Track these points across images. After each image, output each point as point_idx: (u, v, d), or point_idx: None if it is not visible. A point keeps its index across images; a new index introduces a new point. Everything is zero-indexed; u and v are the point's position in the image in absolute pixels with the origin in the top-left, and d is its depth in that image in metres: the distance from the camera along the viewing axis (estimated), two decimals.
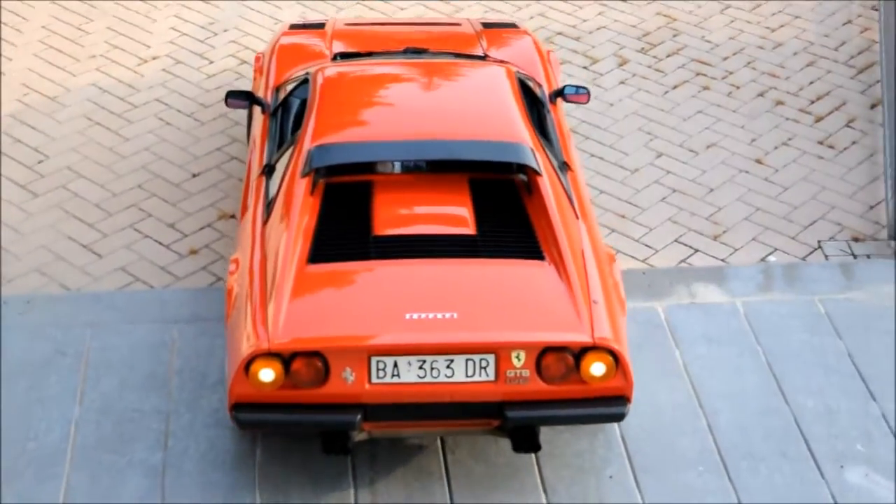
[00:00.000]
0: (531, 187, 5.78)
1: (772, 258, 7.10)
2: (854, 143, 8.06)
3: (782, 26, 9.23)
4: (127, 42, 8.87)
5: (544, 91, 6.83)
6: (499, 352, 5.09)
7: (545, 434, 5.76)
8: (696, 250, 7.14)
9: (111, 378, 6.10)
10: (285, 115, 6.40)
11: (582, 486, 5.61)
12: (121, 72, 8.55)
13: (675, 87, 8.53)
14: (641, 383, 6.12)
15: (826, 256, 7.11)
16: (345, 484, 5.51)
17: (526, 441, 5.23)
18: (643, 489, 5.62)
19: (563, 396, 5.17)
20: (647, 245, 7.17)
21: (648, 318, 6.54)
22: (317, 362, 5.05)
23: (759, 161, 7.87)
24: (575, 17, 9.25)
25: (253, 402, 5.15)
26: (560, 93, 6.82)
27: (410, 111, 6.04)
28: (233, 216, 7.26)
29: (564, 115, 7.12)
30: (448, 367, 5.10)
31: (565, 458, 5.71)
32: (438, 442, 5.72)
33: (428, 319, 5.12)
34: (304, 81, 6.45)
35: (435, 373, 5.10)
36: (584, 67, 8.67)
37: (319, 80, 6.30)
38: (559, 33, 9.05)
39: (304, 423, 5.13)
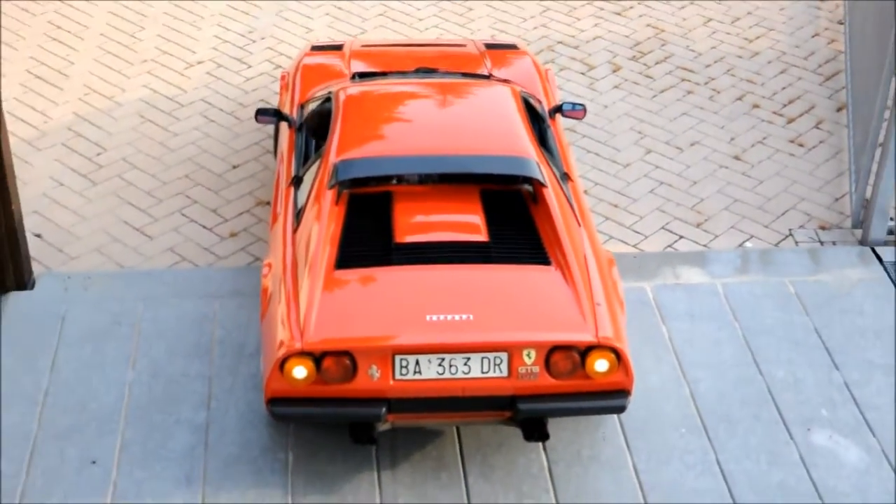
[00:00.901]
0: (537, 197, 5.70)
1: (748, 244, 7.09)
2: (821, 142, 8.03)
3: (758, 37, 9.20)
4: (175, 48, 8.87)
5: (544, 107, 6.74)
6: (511, 350, 5.05)
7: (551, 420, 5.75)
8: (681, 236, 7.13)
9: (161, 346, 6.12)
10: (310, 131, 6.33)
11: (577, 445, 5.62)
12: (169, 75, 8.55)
13: (662, 91, 8.51)
14: (632, 354, 6.12)
15: (796, 243, 7.10)
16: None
17: (536, 431, 5.20)
18: (632, 448, 5.63)
19: (570, 390, 5.14)
20: (637, 231, 7.17)
21: (638, 297, 6.53)
22: (345, 360, 5.02)
23: (737, 157, 7.85)
24: (574, 28, 9.22)
25: (287, 396, 5.12)
26: (558, 108, 6.70)
27: (426, 127, 5.95)
28: (268, 203, 7.27)
29: (563, 129, 7.10)
30: (465, 364, 5.06)
31: (563, 421, 5.72)
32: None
33: (446, 321, 5.08)
34: (327, 100, 6.34)
35: (453, 369, 5.06)
36: (582, 73, 8.65)
37: (341, 98, 6.22)
38: (560, 42, 9.02)
39: (333, 416, 5.10)
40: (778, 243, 7.10)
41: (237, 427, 5.67)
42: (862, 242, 7.06)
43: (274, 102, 8.27)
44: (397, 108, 6.10)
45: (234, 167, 7.63)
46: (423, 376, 5.07)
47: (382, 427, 5.21)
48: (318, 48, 7.44)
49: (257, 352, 6.08)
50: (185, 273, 6.64)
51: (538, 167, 5.74)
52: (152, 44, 8.91)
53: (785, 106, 8.38)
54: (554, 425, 5.69)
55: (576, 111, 6.69)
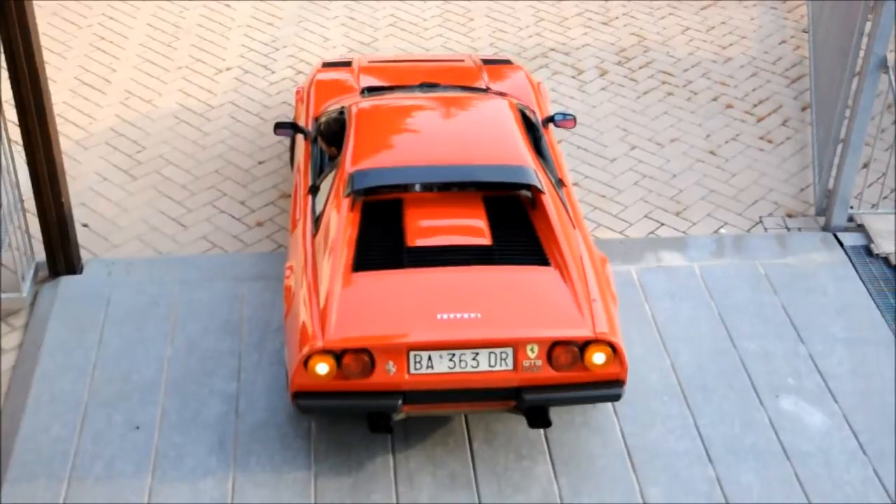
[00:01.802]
0: (535, 202, 5.63)
1: (722, 230, 7.07)
2: (788, 138, 8.00)
3: (731, 44, 9.16)
4: (206, 56, 8.84)
5: (538, 117, 6.63)
6: (516, 346, 5.00)
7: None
8: (662, 224, 7.12)
9: (195, 324, 6.12)
10: (324, 142, 6.23)
11: (570, 413, 5.62)
12: (201, 80, 8.53)
13: (645, 92, 8.47)
14: (620, 330, 6.10)
15: (765, 229, 7.08)
16: None
17: (539, 418, 5.14)
18: (619, 414, 5.63)
19: (570, 381, 5.09)
20: (623, 219, 7.15)
21: (624, 279, 6.52)
22: (364, 357, 4.97)
23: (712, 152, 7.82)
24: (565, 37, 9.18)
25: (311, 390, 5.06)
26: (551, 119, 6.59)
27: (432, 139, 5.86)
28: (289, 195, 7.25)
29: (555, 137, 7.04)
30: (474, 359, 5.01)
31: None
32: None
33: (456, 319, 5.02)
34: (340, 113, 6.24)
35: (463, 364, 5.01)
36: (573, 77, 8.62)
37: (354, 112, 6.13)
38: (552, 49, 8.99)
39: (354, 408, 5.04)
40: (749, 229, 7.07)
41: (264, 396, 5.67)
42: (825, 228, 7.03)
43: (293, 106, 8.24)
44: (405, 121, 6.02)
45: (260, 163, 7.61)
46: (436, 370, 5.01)
47: (398, 417, 5.16)
48: (328, 64, 7.33)
49: (281, 329, 6.07)
50: (216, 258, 6.64)
51: (536, 175, 5.67)
52: (186, 52, 8.88)
53: (755, 106, 8.34)
54: None
55: (566, 121, 6.59)
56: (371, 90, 6.77)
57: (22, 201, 6.37)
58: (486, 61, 7.41)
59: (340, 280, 5.19)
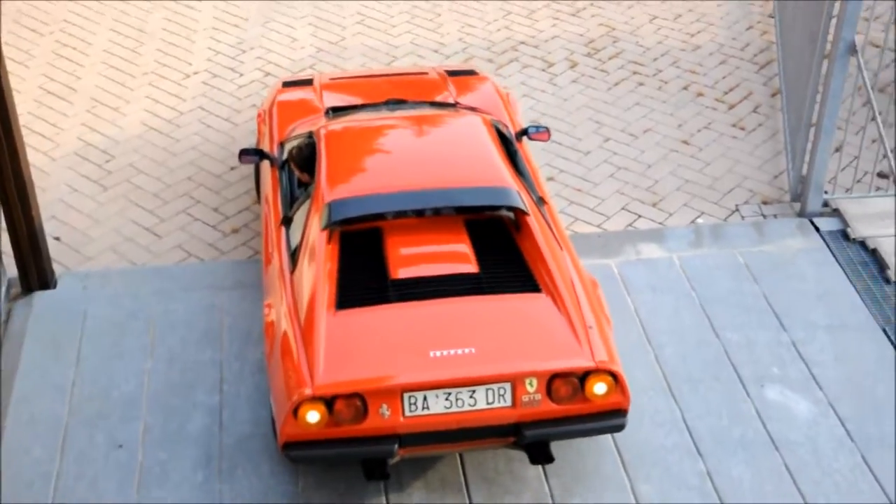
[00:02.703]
0: (519, 225, 5.38)
1: (700, 220, 7.03)
2: (760, 125, 7.98)
3: (699, 32, 9.12)
4: (173, 61, 8.69)
5: (511, 131, 6.34)
6: (514, 380, 4.75)
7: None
8: (640, 216, 7.07)
9: (174, 336, 6.00)
10: (293, 169, 5.91)
11: None
12: (169, 85, 8.38)
13: (616, 83, 8.42)
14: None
15: (742, 217, 7.05)
16: None
17: (540, 454, 4.91)
18: None
19: (571, 414, 4.85)
20: (600, 213, 7.09)
21: (604, 273, 6.46)
22: (356, 402, 4.69)
23: (685, 142, 7.78)
24: (534, 29, 9.11)
25: (301, 440, 4.76)
26: (524, 132, 6.31)
27: (408, 163, 5.55)
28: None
29: (529, 150, 6.84)
30: (471, 396, 4.76)
31: None
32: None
33: (450, 356, 4.75)
34: (308, 137, 5.89)
35: (460, 402, 4.76)
36: (543, 70, 8.55)
37: (323, 137, 5.79)
38: (522, 42, 8.91)
39: (348, 456, 4.76)
40: (726, 218, 7.04)
41: (248, 407, 5.56)
42: (800, 214, 7.01)
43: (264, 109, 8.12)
44: (378, 145, 5.70)
45: (232, 168, 7.48)
46: (432, 411, 4.76)
47: (394, 461, 4.88)
48: (288, 84, 6.99)
49: (261, 338, 5.97)
50: (192, 268, 6.52)
51: (520, 196, 5.40)
52: (151, 57, 8.72)
53: (726, 93, 8.31)
54: None
55: (540, 133, 6.32)
56: (336, 110, 6.50)
57: None
58: (451, 73, 7.12)
59: (325, 320, 4.89)
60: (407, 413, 4.74)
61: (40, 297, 6.27)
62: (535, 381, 4.77)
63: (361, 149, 5.68)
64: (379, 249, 5.29)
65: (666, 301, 6.25)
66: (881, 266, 6.51)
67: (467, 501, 5.13)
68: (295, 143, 6.02)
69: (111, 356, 5.87)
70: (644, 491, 5.15)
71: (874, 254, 6.60)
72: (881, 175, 7.38)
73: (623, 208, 7.12)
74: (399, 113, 6.13)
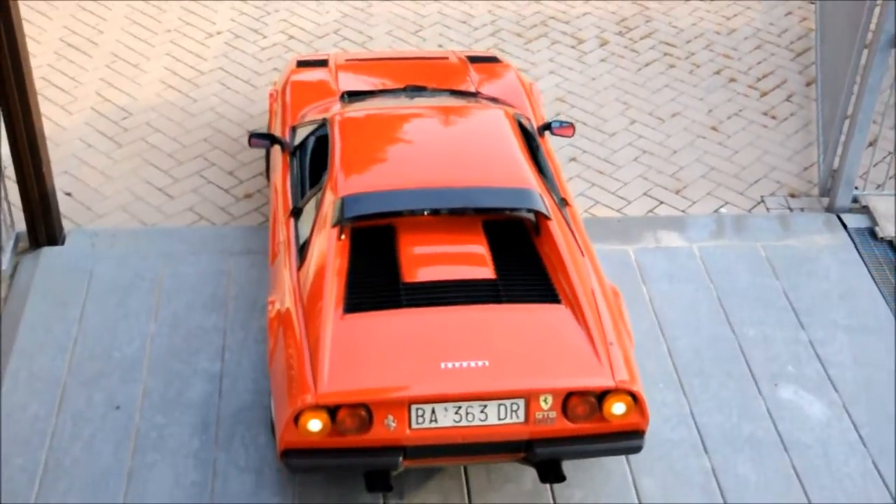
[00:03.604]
0: (540, 229, 5.13)
1: (723, 210, 6.91)
2: (792, 114, 7.83)
3: (735, 15, 8.95)
4: (196, 19, 8.62)
5: (533, 125, 6.06)
6: (528, 397, 4.52)
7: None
8: (661, 202, 6.95)
9: (180, 300, 5.97)
10: (304, 157, 5.67)
11: None
12: (191, 44, 8.31)
13: (646, 64, 8.28)
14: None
15: (767, 209, 6.92)
16: None
17: (551, 472, 4.70)
18: None
19: (586, 433, 4.63)
20: (621, 197, 6.98)
21: (621, 260, 6.37)
22: (361, 412, 4.48)
23: (714, 128, 7.65)
24: (565, 5, 8.96)
25: (302, 448, 4.56)
26: (547, 126, 6.05)
27: (425, 158, 5.30)
28: None
29: (551, 145, 6.64)
30: (482, 411, 4.53)
31: None
32: None
33: (462, 368, 4.50)
34: (321, 125, 5.68)
35: (470, 417, 4.53)
36: (572, 47, 8.42)
37: (337, 126, 5.54)
38: (552, 17, 8.77)
39: (350, 466, 4.55)
40: (751, 209, 6.92)
41: (249, 377, 5.53)
42: (828, 210, 6.88)
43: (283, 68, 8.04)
44: (395, 137, 5.45)
45: (249, 131, 7.43)
46: (440, 424, 4.53)
47: (397, 472, 4.70)
48: (303, 63, 6.75)
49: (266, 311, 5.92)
50: (202, 231, 6.47)
51: (542, 199, 5.14)
52: (175, 15, 8.65)
53: (759, 80, 8.15)
54: None
55: (564, 128, 6.05)
56: (352, 95, 6.27)
57: (2, 168, 6.18)
58: (473, 59, 6.86)
59: (332, 323, 4.65)
60: (414, 425, 4.52)
61: (48, 252, 6.25)
62: (550, 399, 4.53)
63: (377, 140, 5.43)
64: (391, 248, 5.07)
65: (683, 292, 6.15)
66: None
67: (465, 487, 5.07)
68: (307, 129, 5.81)
69: (115, 316, 5.85)
70: (646, 485, 5.08)
71: None
72: None
73: (645, 194, 7.00)
74: (418, 102, 5.90)
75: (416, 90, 6.27)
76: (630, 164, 7.26)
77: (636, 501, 5.01)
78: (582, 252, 5.14)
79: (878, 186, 7.08)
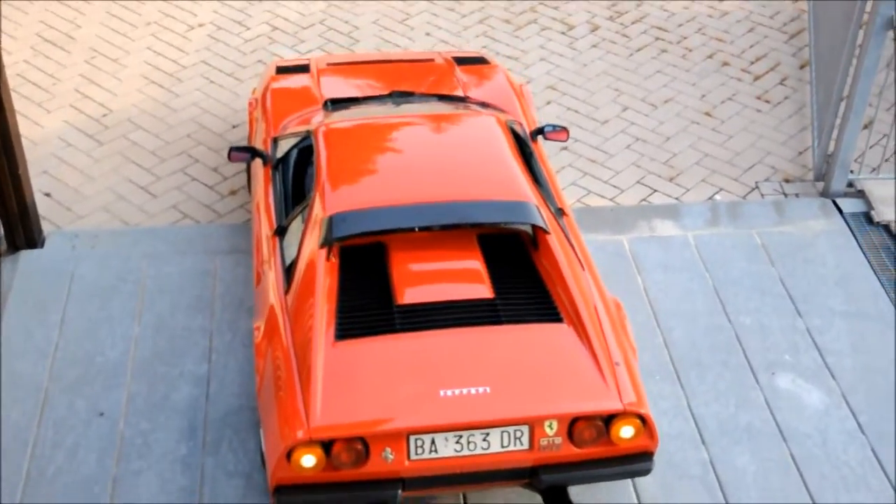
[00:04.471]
0: (538, 242, 4.95)
1: (717, 197, 6.88)
2: (786, 98, 7.78)
3: None
4: (177, 11, 8.55)
5: (526, 130, 5.86)
6: (532, 423, 4.35)
7: None
8: (655, 190, 6.91)
9: (164, 301, 5.92)
10: (287, 171, 5.45)
11: None
12: (172, 37, 8.25)
13: (638, 49, 8.23)
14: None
15: (762, 195, 6.88)
16: None
17: (558, 499, 4.58)
18: None
19: (593, 457, 4.47)
20: (614, 186, 6.94)
21: (615, 249, 6.33)
22: (357, 445, 4.28)
23: (707, 114, 7.60)
24: None
25: (294, 484, 4.36)
26: (540, 131, 5.87)
27: (416, 172, 5.08)
28: None
29: (544, 151, 6.52)
30: (484, 439, 4.35)
31: None
32: None
33: (462, 396, 4.32)
34: (305, 137, 5.47)
35: (472, 446, 4.35)
36: (562, 33, 8.36)
37: (322, 139, 5.32)
38: (541, 3, 8.72)
39: (346, 502, 4.36)
40: (745, 196, 6.88)
41: (236, 379, 5.48)
42: (823, 194, 6.85)
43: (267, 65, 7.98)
44: (383, 149, 5.23)
45: (234, 127, 7.36)
46: (440, 455, 4.35)
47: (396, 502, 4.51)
48: (283, 69, 6.52)
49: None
50: (186, 230, 6.42)
51: (540, 212, 4.94)
52: (155, 7, 8.58)
53: (752, 63, 8.11)
54: None
55: (557, 132, 5.87)
56: (335, 103, 6.06)
57: None
58: (460, 60, 6.66)
59: (323, 351, 4.44)
60: (413, 456, 4.35)
61: (27, 255, 6.19)
62: (555, 424, 4.37)
63: (365, 153, 5.22)
64: (383, 267, 4.88)
65: (678, 281, 6.12)
66: None
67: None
68: (289, 141, 5.61)
69: (97, 320, 5.80)
70: (644, 480, 5.05)
71: None
72: None
73: (638, 182, 6.96)
74: (406, 110, 5.70)
75: (402, 96, 6.09)
76: (623, 151, 7.22)
77: (634, 499, 4.98)
78: (582, 265, 4.98)
79: (874, 170, 7.04)
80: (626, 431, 4.41)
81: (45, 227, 6.49)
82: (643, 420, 4.43)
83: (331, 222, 4.83)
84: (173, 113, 7.47)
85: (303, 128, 5.66)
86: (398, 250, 4.89)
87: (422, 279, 4.75)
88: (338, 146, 5.28)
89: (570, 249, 4.98)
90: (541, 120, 7.42)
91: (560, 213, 5.32)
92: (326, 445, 4.30)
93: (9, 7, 8.52)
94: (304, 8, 8.59)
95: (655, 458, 5.14)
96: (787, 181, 7.00)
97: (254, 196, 5.75)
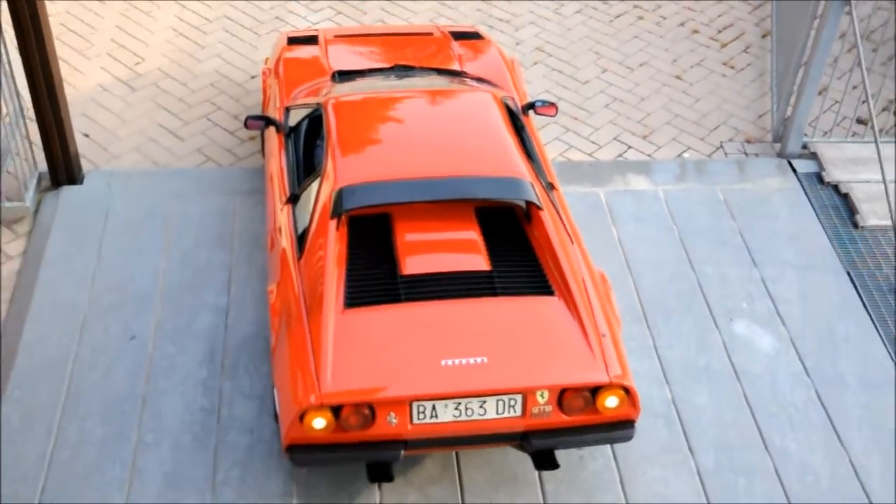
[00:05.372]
0: (530, 216, 4.76)
1: (686, 155, 6.65)
2: (749, 65, 7.51)
3: None
4: None
5: (518, 105, 5.61)
6: (526, 393, 4.23)
7: None
8: (630, 147, 6.68)
9: (189, 237, 5.71)
10: (299, 140, 5.23)
11: None
12: None
13: (617, 16, 7.91)
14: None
15: (726, 154, 6.66)
16: None
17: (545, 460, 4.42)
18: None
19: (580, 424, 4.35)
20: (593, 142, 6.70)
21: (592, 202, 6.12)
22: (364, 410, 4.16)
23: (678, 77, 7.33)
24: None
25: (306, 443, 4.25)
26: (531, 106, 5.61)
27: (420, 146, 4.86)
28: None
29: (535, 124, 6.26)
30: (481, 406, 4.23)
31: None
32: None
33: (461, 366, 4.19)
34: (315, 110, 5.25)
35: (469, 412, 4.24)
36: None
37: (332, 112, 5.10)
38: None
39: (353, 460, 4.26)
40: (711, 154, 6.65)
41: (253, 309, 5.31)
42: (780, 155, 6.62)
43: (285, 22, 7.64)
44: (390, 123, 5.01)
45: (253, 77, 7.07)
46: (440, 420, 4.23)
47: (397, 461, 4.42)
48: (293, 40, 6.22)
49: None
50: (210, 172, 6.18)
51: (533, 189, 4.75)
52: None
53: (720, 32, 7.81)
54: None
55: (546, 107, 5.59)
56: (343, 74, 5.78)
57: (23, 110, 5.85)
58: (456, 35, 6.36)
59: (332, 321, 4.28)
60: (415, 421, 4.23)
61: (68, 191, 5.95)
62: (546, 394, 4.24)
63: (372, 126, 5.00)
64: (388, 237, 4.69)
65: (648, 232, 5.92)
66: (851, 211, 6.16)
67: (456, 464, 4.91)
68: (301, 113, 5.37)
69: (130, 252, 5.59)
70: None
71: (846, 198, 6.24)
72: (860, 121, 6.96)
73: (615, 139, 6.72)
74: (408, 83, 5.45)
75: (404, 70, 5.84)
76: (601, 110, 6.96)
77: None
78: (571, 239, 4.77)
79: (826, 133, 6.82)
80: (611, 401, 4.28)
81: (85, 165, 6.23)
82: (627, 391, 4.29)
83: (341, 194, 4.64)
84: (199, 63, 7.16)
85: (313, 98, 5.41)
86: (402, 220, 4.71)
87: (423, 249, 4.57)
88: (346, 118, 5.05)
89: (560, 224, 4.78)
90: (529, 81, 7.15)
91: (550, 187, 5.10)
92: (336, 409, 4.17)
93: None
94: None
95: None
96: (748, 142, 6.77)
97: (267, 161, 5.51)
